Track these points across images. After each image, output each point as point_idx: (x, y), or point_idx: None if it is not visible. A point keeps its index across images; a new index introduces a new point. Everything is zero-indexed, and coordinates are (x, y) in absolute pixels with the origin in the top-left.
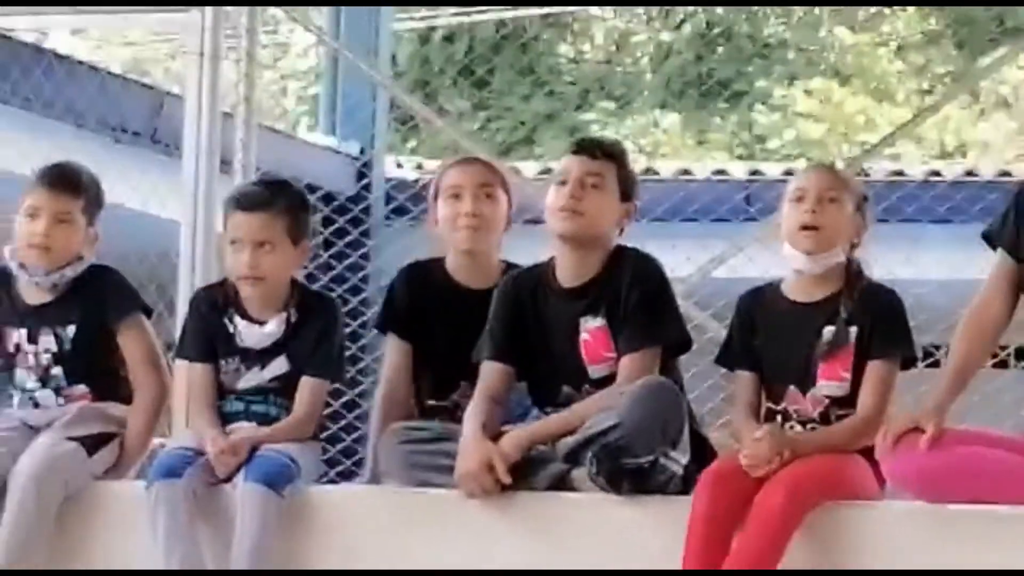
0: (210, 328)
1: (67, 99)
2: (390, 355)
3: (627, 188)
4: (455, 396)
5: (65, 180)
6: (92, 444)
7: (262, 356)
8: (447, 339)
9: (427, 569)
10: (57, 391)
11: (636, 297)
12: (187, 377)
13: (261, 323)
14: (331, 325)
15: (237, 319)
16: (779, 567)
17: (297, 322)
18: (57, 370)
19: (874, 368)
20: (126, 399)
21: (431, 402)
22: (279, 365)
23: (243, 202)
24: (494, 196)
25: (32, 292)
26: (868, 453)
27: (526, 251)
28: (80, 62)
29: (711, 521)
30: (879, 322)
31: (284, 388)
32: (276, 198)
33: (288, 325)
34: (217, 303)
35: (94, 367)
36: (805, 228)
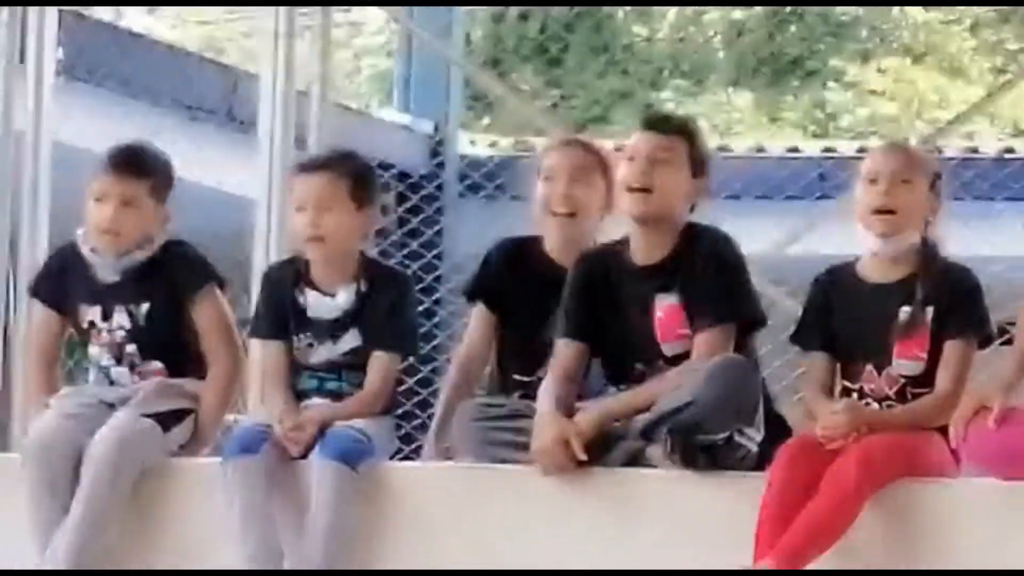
0: (281, 303)
1: (143, 78)
2: (473, 323)
3: (699, 164)
4: (540, 372)
5: (129, 163)
6: (167, 421)
7: (333, 330)
8: (537, 316)
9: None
10: (132, 367)
11: (710, 274)
12: (260, 355)
13: (331, 295)
14: (402, 298)
15: (307, 291)
16: (846, 538)
17: (367, 294)
18: (132, 347)
19: (951, 348)
20: (201, 375)
21: (516, 376)
22: (351, 339)
23: (305, 165)
24: (589, 181)
25: (105, 271)
26: (944, 431)
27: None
28: (156, 41)
29: (785, 495)
30: (955, 302)
31: (356, 363)
32: (337, 161)
33: (358, 296)
34: (287, 278)
35: (168, 343)
36: (878, 211)
